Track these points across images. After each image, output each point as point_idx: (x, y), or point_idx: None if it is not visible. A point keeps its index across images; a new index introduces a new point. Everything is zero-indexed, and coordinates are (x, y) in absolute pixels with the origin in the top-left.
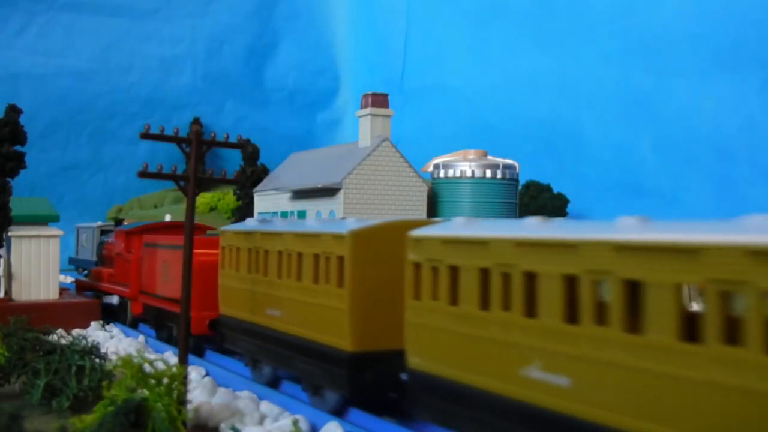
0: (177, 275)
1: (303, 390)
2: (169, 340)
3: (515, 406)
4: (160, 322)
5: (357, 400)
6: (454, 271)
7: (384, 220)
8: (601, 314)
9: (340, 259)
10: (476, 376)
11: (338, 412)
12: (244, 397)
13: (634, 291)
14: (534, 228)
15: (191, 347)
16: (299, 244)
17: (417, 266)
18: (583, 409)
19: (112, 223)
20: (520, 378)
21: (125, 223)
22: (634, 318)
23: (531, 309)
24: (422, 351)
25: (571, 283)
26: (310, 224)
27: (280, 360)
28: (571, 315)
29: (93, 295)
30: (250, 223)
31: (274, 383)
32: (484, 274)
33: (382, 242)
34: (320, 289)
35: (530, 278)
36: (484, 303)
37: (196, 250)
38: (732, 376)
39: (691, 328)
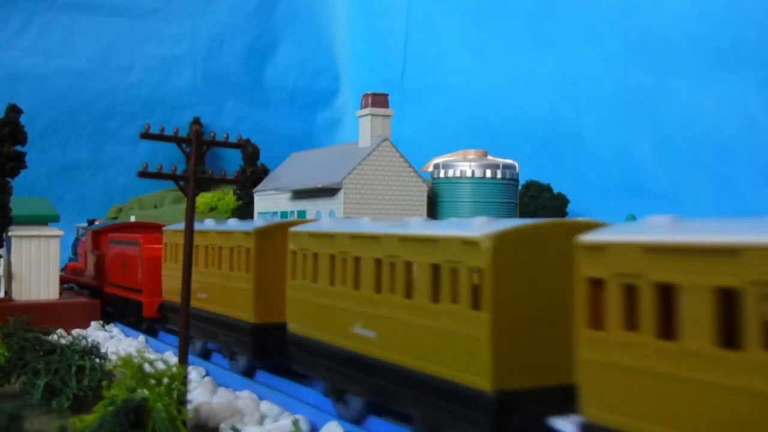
0: (132, 268)
1: (223, 357)
2: (128, 324)
3: (348, 355)
4: (124, 309)
5: (259, 360)
6: (315, 257)
7: (281, 221)
8: (393, 285)
9: (248, 250)
10: (327, 335)
11: (248, 374)
12: (244, 397)
13: (410, 269)
14: (362, 225)
15: (144, 329)
16: (220, 239)
17: (294, 253)
18: (383, 354)
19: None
20: (351, 334)
21: (96, 223)
22: (411, 288)
23: (358, 284)
24: (296, 318)
25: (378, 264)
26: (229, 224)
27: (208, 334)
28: (378, 286)
29: (69, 287)
30: None
31: (205, 355)
32: (332, 258)
33: (280, 238)
34: (234, 275)
35: (357, 261)
36: (332, 280)
37: (147, 245)
38: (454, 324)
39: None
